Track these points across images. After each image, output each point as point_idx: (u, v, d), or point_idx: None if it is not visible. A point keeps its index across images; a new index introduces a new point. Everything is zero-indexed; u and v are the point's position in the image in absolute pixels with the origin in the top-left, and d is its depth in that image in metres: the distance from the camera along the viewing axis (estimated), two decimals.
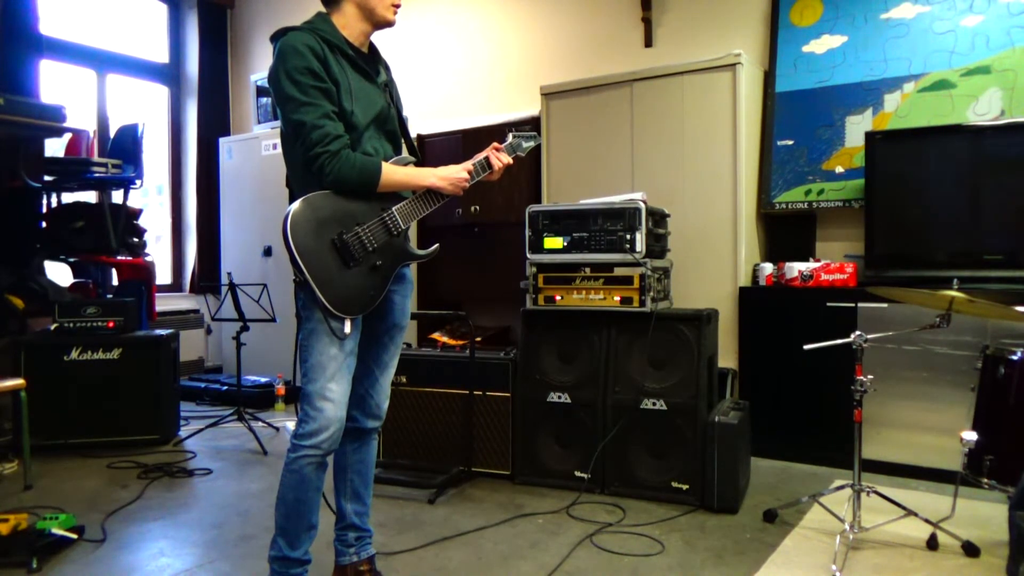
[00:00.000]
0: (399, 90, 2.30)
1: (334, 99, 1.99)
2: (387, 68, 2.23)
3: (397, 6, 2.10)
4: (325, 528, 2.21)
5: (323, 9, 2.10)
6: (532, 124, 4.44)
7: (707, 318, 3.16)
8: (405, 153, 2.22)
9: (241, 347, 4.27)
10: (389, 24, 2.12)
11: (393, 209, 2.07)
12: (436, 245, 2.25)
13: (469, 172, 2.15)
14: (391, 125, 2.17)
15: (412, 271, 2.29)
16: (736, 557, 2.53)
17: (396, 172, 2.05)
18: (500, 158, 2.20)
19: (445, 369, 3.48)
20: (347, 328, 2.00)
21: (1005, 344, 2.79)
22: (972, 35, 3.57)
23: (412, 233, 4.99)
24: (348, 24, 2.07)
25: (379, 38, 2.18)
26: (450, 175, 2.12)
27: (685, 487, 3.05)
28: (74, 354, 3.93)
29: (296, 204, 1.94)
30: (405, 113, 2.26)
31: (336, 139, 1.96)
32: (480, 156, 2.19)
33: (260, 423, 4.38)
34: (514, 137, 2.28)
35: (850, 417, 2.62)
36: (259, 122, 5.75)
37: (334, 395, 1.99)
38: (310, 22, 2.05)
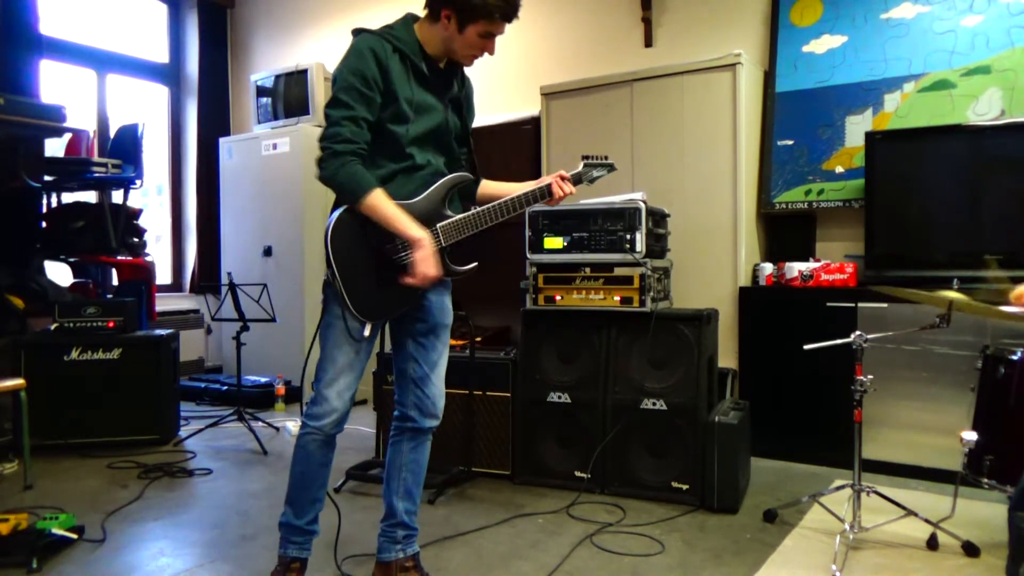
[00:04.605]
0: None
1: (374, 109, 1.98)
2: (464, 82, 2.20)
3: (475, 57, 2.08)
4: (324, 531, 2.20)
5: (413, 12, 2.09)
6: (532, 124, 4.43)
7: (707, 318, 3.16)
8: (463, 172, 2.18)
9: (241, 347, 4.26)
10: (463, 65, 2.13)
11: (437, 226, 2.07)
12: (475, 264, 2.21)
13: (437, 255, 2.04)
14: (447, 139, 2.15)
15: None
16: (736, 557, 2.53)
17: (383, 207, 1.97)
18: (563, 187, 2.14)
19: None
20: (366, 332, 2.06)
21: (1005, 344, 2.79)
22: (972, 35, 3.57)
23: None
24: (431, 39, 2.05)
25: None
26: (423, 252, 1.98)
27: (685, 487, 3.05)
28: (74, 354, 3.92)
29: (343, 209, 1.99)
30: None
31: (346, 142, 1.95)
32: (539, 183, 2.14)
33: (260, 423, 4.37)
34: (585, 166, 2.21)
35: (850, 417, 2.62)
36: (259, 122, 5.74)
37: (339, 387, 2.07)
38: (390, 26, 2.06)
